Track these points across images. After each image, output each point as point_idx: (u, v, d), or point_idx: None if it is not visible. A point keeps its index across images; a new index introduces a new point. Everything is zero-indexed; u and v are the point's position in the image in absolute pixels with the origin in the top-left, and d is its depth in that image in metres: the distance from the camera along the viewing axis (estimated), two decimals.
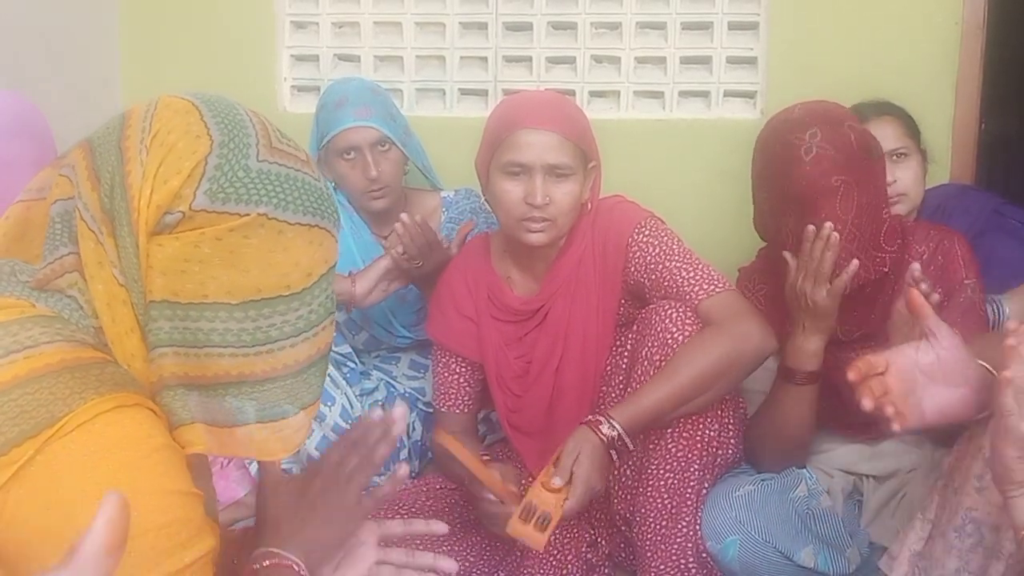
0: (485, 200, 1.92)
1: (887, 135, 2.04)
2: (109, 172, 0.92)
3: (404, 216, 2.01)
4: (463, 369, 1.97)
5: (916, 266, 1.65)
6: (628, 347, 1.80)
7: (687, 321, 1.70)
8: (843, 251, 1.66)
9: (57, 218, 0.94)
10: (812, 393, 1.74)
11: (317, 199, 0.98)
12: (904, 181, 2.09)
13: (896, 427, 1.22)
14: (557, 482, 1.56)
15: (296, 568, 1.05)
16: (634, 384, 1.73)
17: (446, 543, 1.81)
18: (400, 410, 1.18)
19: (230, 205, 0.91)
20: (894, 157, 2.07)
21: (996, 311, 1.99)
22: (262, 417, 0.95)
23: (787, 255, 1.70)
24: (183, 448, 0.92)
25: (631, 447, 1.64)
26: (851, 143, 1.67)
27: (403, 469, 1.20)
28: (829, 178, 1.66)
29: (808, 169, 1.67)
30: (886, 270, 1.72)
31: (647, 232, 1.81)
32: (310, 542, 1.09)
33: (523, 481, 1.76)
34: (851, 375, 1.25)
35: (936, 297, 1.60)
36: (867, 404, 1.23)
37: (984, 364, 1.27)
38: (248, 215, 0.91)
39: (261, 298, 0.93)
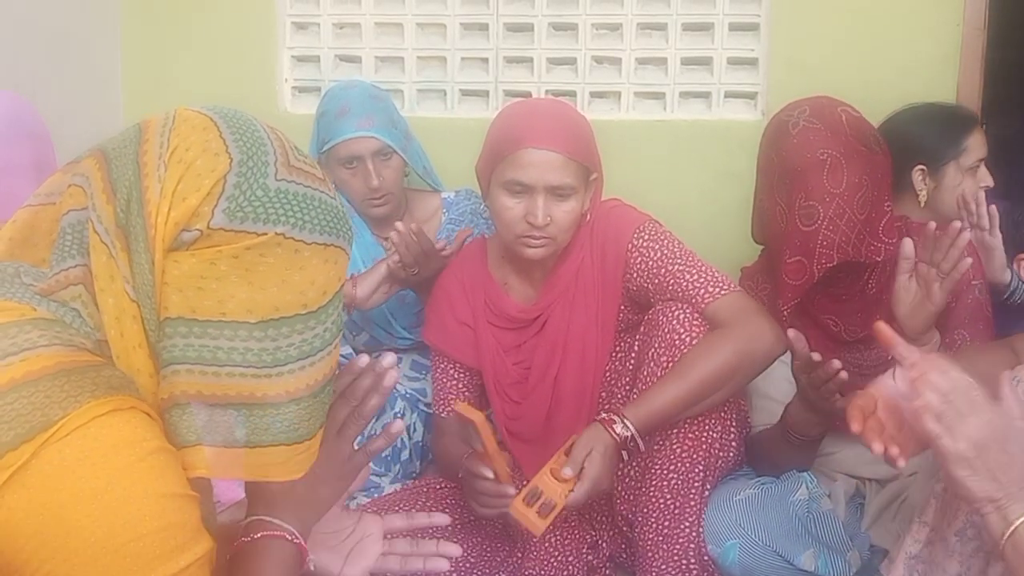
0: (485, 206, 1.92)
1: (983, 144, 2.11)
2: (126, 186, 0.92)
3: (399, 225, 2.01)
4: (461, 375, 1.97)
5: (908, 242, 1.68)
6: (634, 350, 1.80)
7: (694, 323, 1.69)
8: (831, 227, 1.66)
9: (68, 228, 0.94)
10: (813, 446, 1.76)
11: (333, 218, 0.98)
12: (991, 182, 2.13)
13: (901, 463, 1.22)
14: (568, 472, 1.57)
15: (289, 538, 1.05)
16: (640, 386, 1.73)
17: (447, 540, 1.81)
18: (390, 358, 1.15)
19: (248, 224, 0.91)
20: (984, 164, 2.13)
21: (1013, 278, 2.01)
22: (283, 440, 0.95)
23: (792, 334, 1.63)
24: (185, 471, 0.91)
25: (643, 448, 1.64)
26: (841, 123, 1.69)
27: (397, 424, 1.18)
28: (815, 150, 1.67)
29: (795, 142, 1.69)
30: (879, 259, 1.72)
31: (646, 236, 1.81)
32: (302, 503, 1.07)
33: (522, 483, 1.76)
34: (854, 427, 1.25)
35: (937, 287, 1.64)
36: (877, 448, 1.22)
37: None
38: (265, 234, 0.91)
39: (280, 317, 0.93)
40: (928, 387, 1.15)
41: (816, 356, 1.59)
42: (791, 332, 1.64)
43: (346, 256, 1.01)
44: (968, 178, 2.09)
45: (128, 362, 0.92)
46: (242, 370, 0.92)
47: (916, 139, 2.06)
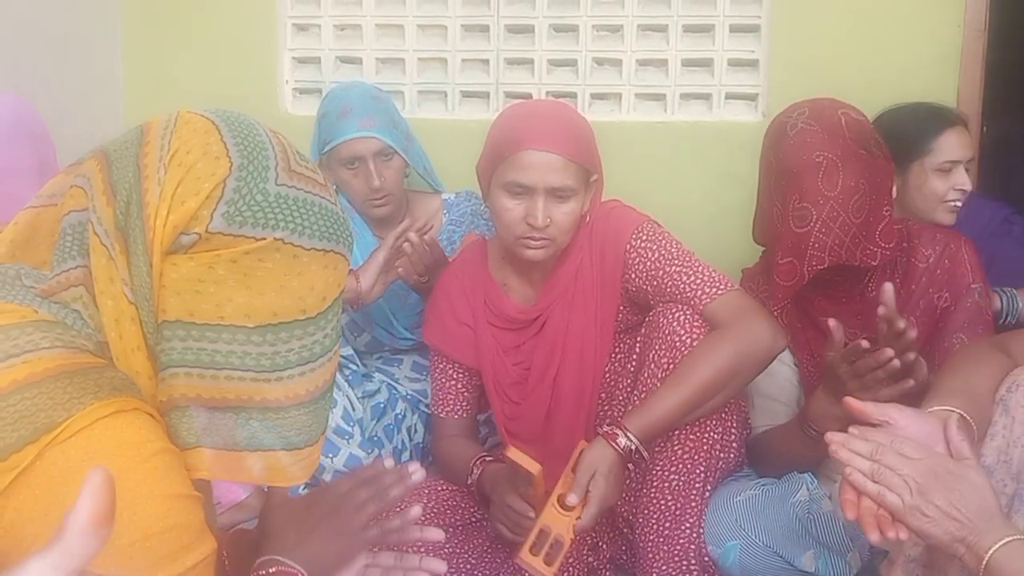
0: (485, 207, 1.92)
1: (971, 144, 2.12)
2: (126, 188, 0.92)
3: (412, 236, 2.02)
4: (460, 375, 1.97)
5: (888, 286, 1.58)
6: (636, 351, 1.81)
7: (694, 324, 1.70)
8: (823, 229, 1.66)
9: (69, 229, 0.94)
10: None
11: (333, 224, 0.97)
12: (968, 190, 2.13)
13: (903, 535, 1.18)
14: (572, 499, 1.56)
15: None
16: (641, 388, 1.73)
17: (447, 545, 1.81)
18: (416, 465, 1.22)
19: (247, 228, 0.91)
20: (968, 169, 2.12)
21: (1009, 302, 2.00)
22: (285, 444, 0.95)
23: (832, 323, 1.60)
24: (187, 472, 0.91)
25: (647, 457, 1.64)
26: (840, 125, 1.68)
27: (415, 510, 1.21)
28: (811, 153, 1.66)
29: (791, 143, 1.69)
30: (874, 264, 1.72)
31: (644, 237, 1.81)
32: (311, 558, 1.09)
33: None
34: (849, 515, 1.21)
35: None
36: (875, 538, 1.18)
37: (939, 407, 1.28)
38: (264, 239, 0.91)
39: (278, 322, 0.93)
40: (851, 456, 1.18)
41: (865, 343, 1.53)
42: (831, 321, 1.59)
43: (346, 262, 1.00)
44: (936, 179, 2.08)
45: (127, 364, 0.92)
46: (240, 373, 0.92)
47: (884, 136, 2.07)
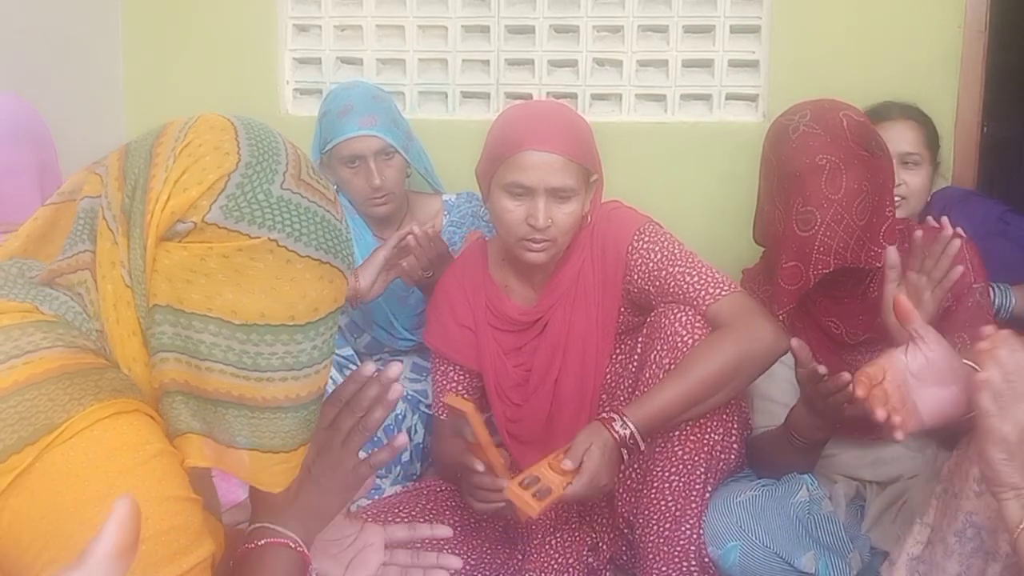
0: (486, 208, 1.92)
1: (905, 138, 2.09)
2: (135, 173, 0.94)
3: (416, 228, 2.03)
4: (461, 377, 1.97)
5: (892, 250, 1.64)
6: (636, 353, 1.81)
7: (696, 324, 1.70)
8: (828, 232, 1.66)
9: (82, 214, 0.96)
10: (816, 450, 1.76)
11: (333, 237, 0.97)
12: (911, 185, 2.11)
13: (899, 436, 1.24)
14: (568, 464, 1.58)
15: (293, 546, 1.05)
16: (642, 388, 1.73)
17: (448, 545, 1.81)
18: (395, 369, 1.12)
19: (242, 225, 0.91)
20: (907, 163, 2.11)
21: (1003, 297, 2.00)
22: (258, 445, 0.95)
23: (795, 343, 1.62)
24: (186, 475, 0.91)
25: (642, 447, 1.65)
26: (842, 128, 1.68)
27: (402, 438, 1.17)
28: (814, 156, 1.66)
29: (794, 147, 1.68)
30: (879, 264, 1.72)
31: (646, 238, 1.81)
32: (306, 511, 1.07)
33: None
34: (860, 392, 1.26)
35: (928, 295, 1.59)
36: (881, 414, 1.24)
37: (970, 363, 1.29)
38: (258, 238, 0.91)
39: (264, 324, 0.92)
40: (994, 363, 1.15)
41: (822, 369, 1.57)
42: (794, 341, 1.63)
43: (343, 279, 0.99)
44: None
45: (124, 351, 0.92)
46: (221, 367, 0.92)
47: None
